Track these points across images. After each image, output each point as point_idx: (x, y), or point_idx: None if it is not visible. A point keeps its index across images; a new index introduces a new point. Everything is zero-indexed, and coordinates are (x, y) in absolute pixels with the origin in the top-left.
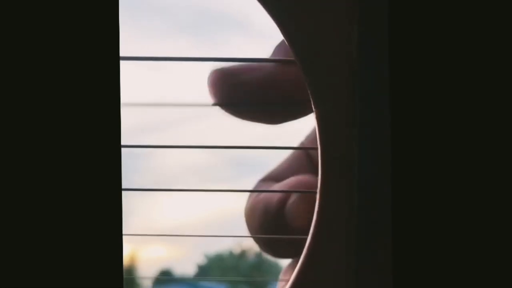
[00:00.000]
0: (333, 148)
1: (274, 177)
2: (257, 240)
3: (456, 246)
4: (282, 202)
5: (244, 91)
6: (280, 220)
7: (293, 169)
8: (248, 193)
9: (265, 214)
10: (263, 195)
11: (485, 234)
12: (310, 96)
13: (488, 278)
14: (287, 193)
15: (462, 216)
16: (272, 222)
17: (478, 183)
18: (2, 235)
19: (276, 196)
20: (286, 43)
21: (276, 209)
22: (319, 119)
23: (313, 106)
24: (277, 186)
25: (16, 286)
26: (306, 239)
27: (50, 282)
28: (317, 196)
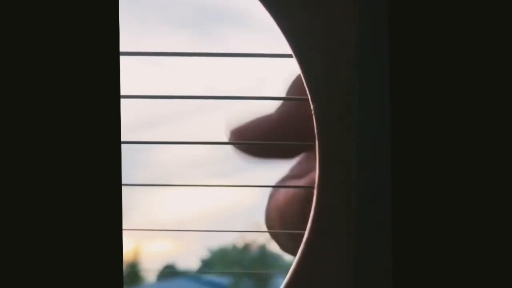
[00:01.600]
0: (330, 144)
1: (294, 175)
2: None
3: (456, 244)
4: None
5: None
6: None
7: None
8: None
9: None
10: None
11: (485, 233)
12: (308, 93)
13: (488, 278)
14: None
15: (462, 216)
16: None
17: (478, 183)
18: (0, 231)
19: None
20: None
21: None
22: (317, 115)
23: (310, 102)
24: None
25: (15, 283)
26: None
27: (49, 281)
28: (315, 191)
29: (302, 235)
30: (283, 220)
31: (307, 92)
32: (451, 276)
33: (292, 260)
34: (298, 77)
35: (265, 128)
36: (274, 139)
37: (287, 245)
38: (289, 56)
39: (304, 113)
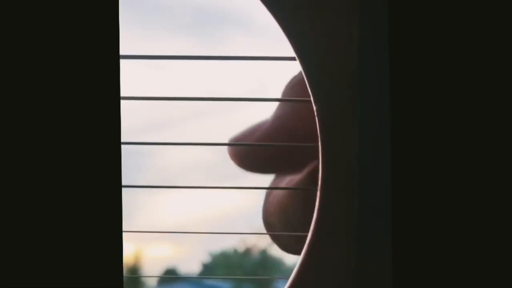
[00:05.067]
0: (333, 145)
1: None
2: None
3: (458, 247)
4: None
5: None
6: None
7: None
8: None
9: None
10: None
11: (485, 234)
12: (311, 93)
13: (488, 278)
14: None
15: (464, 217)
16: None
17: (478, 182)
18: (0, 232)
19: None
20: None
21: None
22: (319, 116)
23: (313, 103)
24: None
25: (15, 283)
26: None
27: (49, 281)
28: (318, 192)
29: (303, 234)
30: (285, 214)
31: (310, 93)
32: (452, 278)
33: (293, 264)
34: (293, 80)
35: (262, 133)
36: (272, 147)
37: (287, 243)
38: (292, 59)
39: (303, 114)
